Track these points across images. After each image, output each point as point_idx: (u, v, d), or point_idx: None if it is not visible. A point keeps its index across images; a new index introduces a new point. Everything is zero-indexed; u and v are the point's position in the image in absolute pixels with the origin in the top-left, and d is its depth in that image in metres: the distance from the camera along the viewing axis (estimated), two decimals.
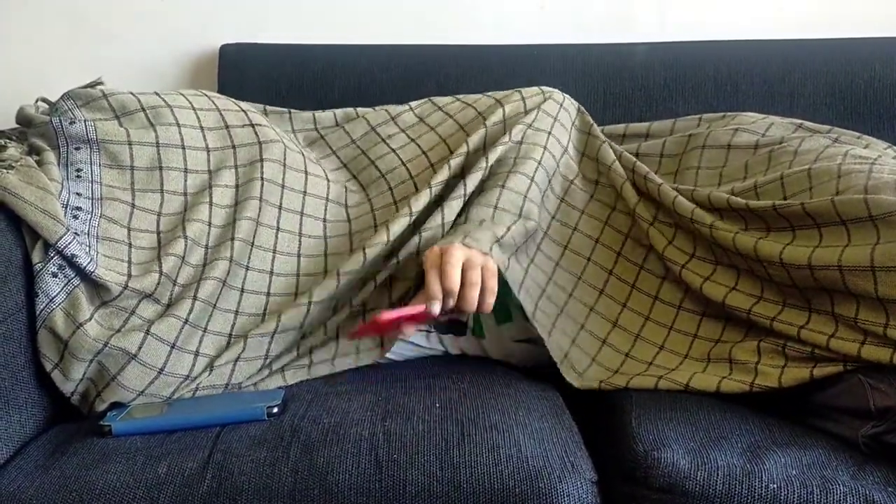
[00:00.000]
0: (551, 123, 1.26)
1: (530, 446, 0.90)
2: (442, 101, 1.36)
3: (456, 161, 1.20)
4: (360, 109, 1.36)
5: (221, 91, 1.47)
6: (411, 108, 1.35)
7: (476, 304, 1.00)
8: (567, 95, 1.33)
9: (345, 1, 1.62)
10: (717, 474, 0.87)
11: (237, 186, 1.15)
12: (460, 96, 1.35)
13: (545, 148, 1.23)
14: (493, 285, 1.01)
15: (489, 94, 1.34)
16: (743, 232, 1.08)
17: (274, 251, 1.14)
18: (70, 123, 1.10)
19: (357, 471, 0.87)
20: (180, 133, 1.14)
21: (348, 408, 0.99)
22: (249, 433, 0.94)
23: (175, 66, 1.63)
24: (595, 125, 1.32)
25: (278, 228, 1.15)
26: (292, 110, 1.35)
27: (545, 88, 1.31)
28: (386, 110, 1.35)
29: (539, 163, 1.21)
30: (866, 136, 1.25)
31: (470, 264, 1.01)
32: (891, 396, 0.90)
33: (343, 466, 0.88)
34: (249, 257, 1.12)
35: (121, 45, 1.62)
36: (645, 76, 1.48)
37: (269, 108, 1.33)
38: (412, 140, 1.29)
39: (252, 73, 1.52)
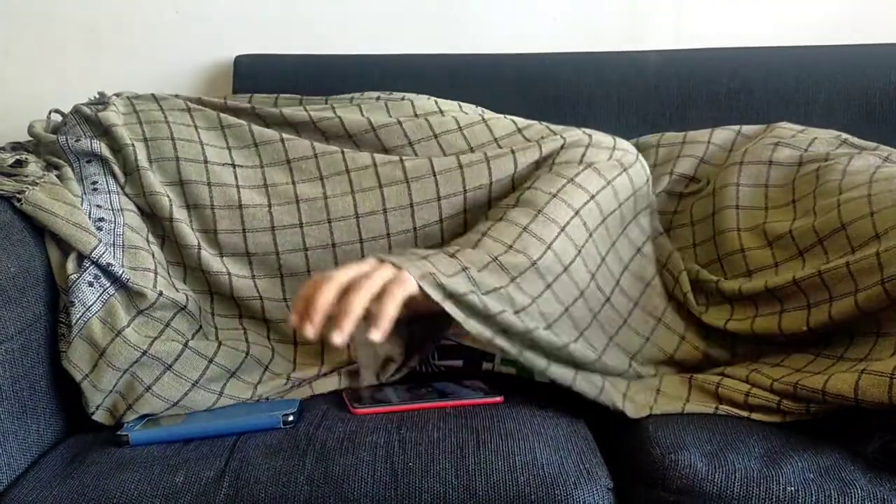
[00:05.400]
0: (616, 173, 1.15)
1: (546, 453, 0.90)
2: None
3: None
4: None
5: None
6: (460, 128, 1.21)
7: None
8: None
9: (359, 11, 1.63)
10: (735, 476, 0.86)
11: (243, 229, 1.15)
12: (513, 118, 1.23)
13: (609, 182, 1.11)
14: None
15: (546, 124, 1.21)
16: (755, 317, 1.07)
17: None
18: (76, 140, 1.12)
19: (373, 479, 0.87)
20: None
21: (363, 416, 0.99)
22: (266, 441, 0.94)
23: (190, 77, 1.65)
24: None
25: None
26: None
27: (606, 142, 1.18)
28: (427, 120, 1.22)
29: (592, 197, 1.09)
30: None
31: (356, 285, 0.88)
32: None
33: (359, 475, 0.88)
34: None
35: (137, 57, 1.64)
36: (658, 85, 1.48)
37: (313, 114, 1.23)
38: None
39: (267, 84, 1.52)
